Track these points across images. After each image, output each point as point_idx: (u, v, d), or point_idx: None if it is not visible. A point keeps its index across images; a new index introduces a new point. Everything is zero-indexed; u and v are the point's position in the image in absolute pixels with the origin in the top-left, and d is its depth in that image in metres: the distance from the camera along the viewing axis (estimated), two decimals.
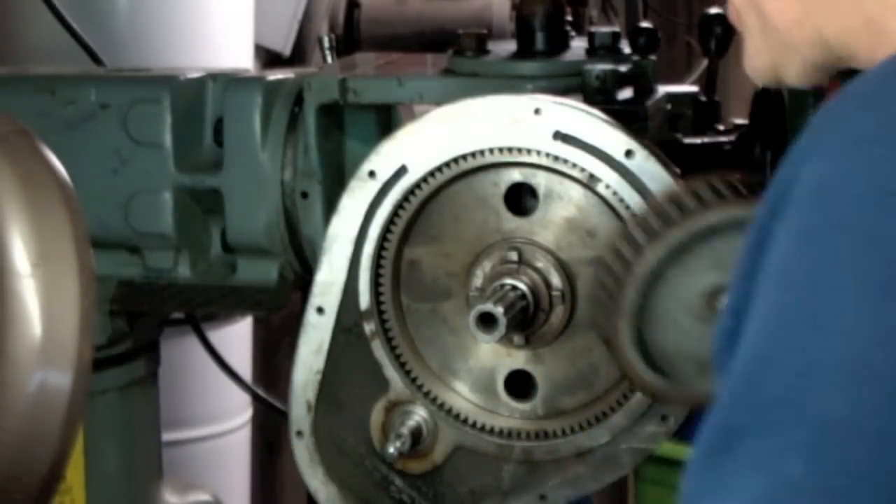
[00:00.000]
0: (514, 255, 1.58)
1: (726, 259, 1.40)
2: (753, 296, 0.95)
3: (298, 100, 1.77)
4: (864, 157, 0.90)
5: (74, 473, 1.88)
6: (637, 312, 1.41)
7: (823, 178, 0.91)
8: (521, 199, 1.59)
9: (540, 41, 1.69)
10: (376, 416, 1.65)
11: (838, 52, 1.12)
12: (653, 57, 1.68)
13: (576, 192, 1.55)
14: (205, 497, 2.11)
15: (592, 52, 1.68)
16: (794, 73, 1.18)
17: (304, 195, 1.75)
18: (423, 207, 1.60)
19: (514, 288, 1.55)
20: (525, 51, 1.69)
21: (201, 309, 2.02)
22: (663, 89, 1.70)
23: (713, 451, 0.93)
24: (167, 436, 2.11)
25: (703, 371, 1.46)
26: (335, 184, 1.73)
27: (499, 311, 1.48)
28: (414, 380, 1.64)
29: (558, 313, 1.59)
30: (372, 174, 1.58)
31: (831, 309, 0.89)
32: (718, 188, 1.40)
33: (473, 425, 1.63)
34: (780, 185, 0.96)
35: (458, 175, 1.57)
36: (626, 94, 1.61)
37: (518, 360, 1.63)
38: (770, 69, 1.20)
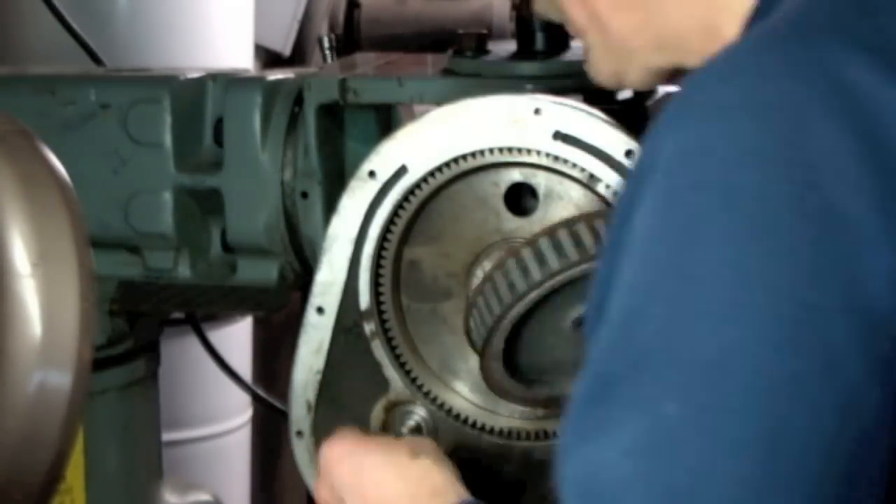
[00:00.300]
0: None
1: None
2: (621, 262, 1.01)
3: (298, 100, 1.77)
4: (725, 123, 0.96)
5: (74, 473, 1.88)
6: (512, 330, 1.45)
7: (686, 143, 0.97)
8: (521, 199, 1.59)
9: (540, 41, 1.68)
10: (376, 416, 1.65)
11: (674, 54, 1.22)
12: None
13: (576, 192, 1.55)
14: (205, 497, 2.11)
15: None
16: (636, 77, 1.29)
17: (304, 195, 1.75)
18: (423, 207, 1.60)
19: None
20: (525, 51, 1.69)
21: (201, 309, 2.02)
22: (663, 89, 1.70)
23: (590, 400, 0.97)
24: (167, 436, 2.11)
25: (549, 377, 1.52)
26: (335, 184, 1.73)
27: None
28: (414, 380, 1.64)
29: None
30: (372, 174, 1.58)
31: (698, 259, 0.94)
32: None
33: (473, 425, 1.63)
34: (644, 159, 1.02)
35: (458, 175, 1.57)
36: (626, 94, 1.61)
37: None
38: (613, 74, 1.30)
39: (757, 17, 1.10)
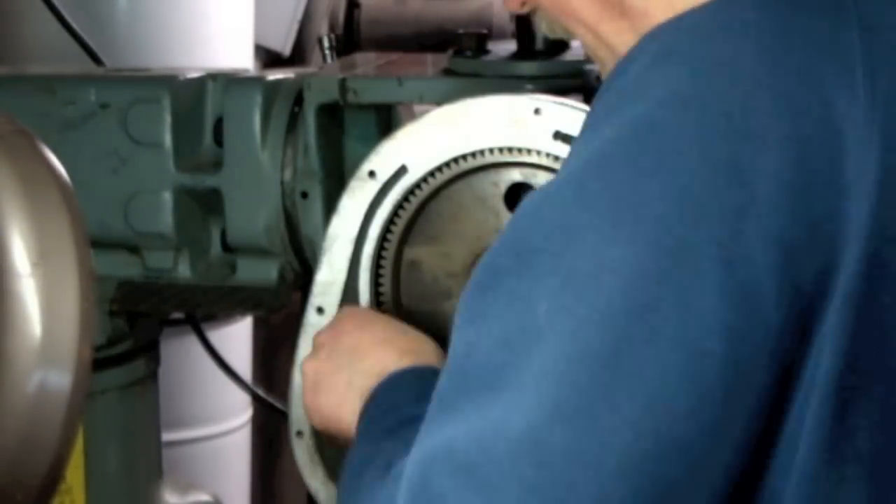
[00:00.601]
0: None
1: None
2: None
3: (298, 100, 1.77)
4: (664, 68, 1.03)
5: (74, 473, 1.88)
6: None
7: (626, 84, 1.04)
8: (521, 199, 1.59)
9: (540, 41, 1.69)
10: None
11: None
12: None
13: None
14: (205, 497, 2.11)
15: None
16: None
17: (304, 195, 1.75)
18: (423, 207, 1.60)
19: None
20: (525, 51, 1.69)
21: (201, 309, 2.02)
22: None
23: (481, 286, 1.04)
24: (167, 436, 2.11)
25: None
26: (335, 184, 1.73)
27: None
28: None
29: None
30: (372, 174, 1.58)
31: (600, 178, 1.01)
32: None
33: None
34: (598, 94, 1.08)
35: (458, 175, 1.57)
36: None
37: None
38: None
39: None
